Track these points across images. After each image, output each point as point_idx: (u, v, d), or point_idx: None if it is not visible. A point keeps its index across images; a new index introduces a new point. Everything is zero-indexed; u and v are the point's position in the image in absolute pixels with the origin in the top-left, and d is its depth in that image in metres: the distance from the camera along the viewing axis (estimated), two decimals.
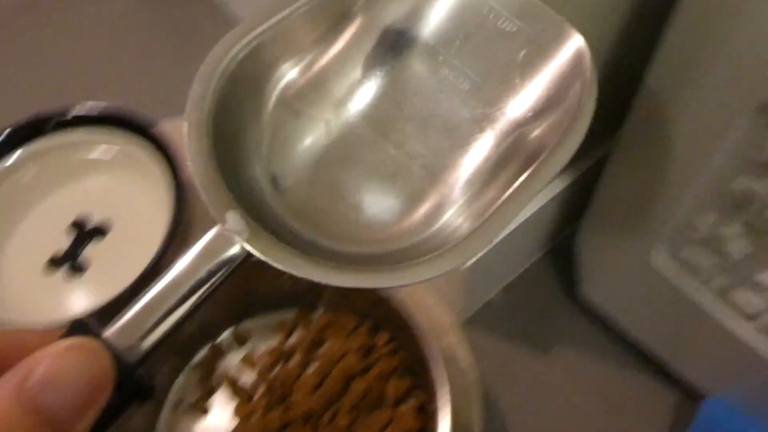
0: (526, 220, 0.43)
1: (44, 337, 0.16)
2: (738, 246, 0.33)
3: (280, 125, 0.23)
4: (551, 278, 0.52)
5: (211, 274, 0.18)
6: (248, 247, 0.18)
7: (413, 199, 0.23)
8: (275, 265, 0.18)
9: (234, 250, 0.18)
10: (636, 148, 0.37)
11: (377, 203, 0.23)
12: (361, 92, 0.24)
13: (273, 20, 0.21)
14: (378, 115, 0.24)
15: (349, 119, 0.23)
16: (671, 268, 0.38)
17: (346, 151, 0.23)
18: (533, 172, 0.20)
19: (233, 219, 0.18)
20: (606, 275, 0.45)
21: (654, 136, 0.34)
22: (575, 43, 0.22)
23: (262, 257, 0.18)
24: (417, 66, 0.24)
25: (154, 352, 0.18)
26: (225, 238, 0.18)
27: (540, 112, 0.22)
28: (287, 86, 0.23)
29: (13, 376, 0.14)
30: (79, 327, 0.17)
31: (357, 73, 0.24)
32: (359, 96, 0.24)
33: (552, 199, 0.44)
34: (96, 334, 0.17)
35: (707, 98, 0.30)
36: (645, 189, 0.36)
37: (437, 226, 0.22)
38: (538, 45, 0.23)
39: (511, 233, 0.42)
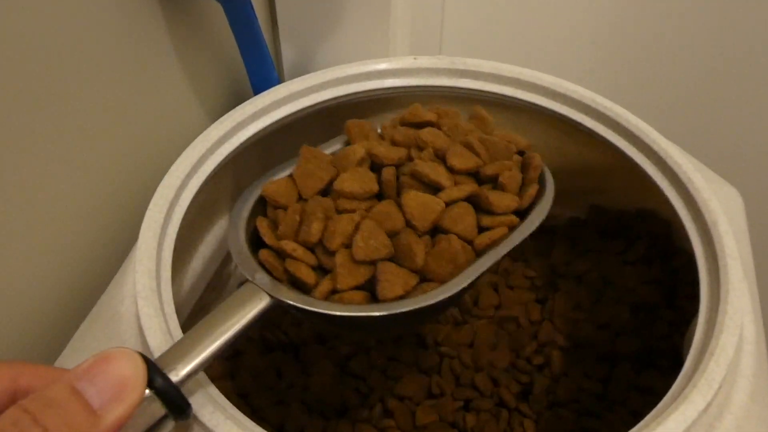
0: None
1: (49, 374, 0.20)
2: None
3: None
4: None
5: (241, 318, 0.24)
6: (273, 294, 0.25)
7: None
8: (292, 303, 0.25)
9: (262, 299, 0.25)
10: None
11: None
12: None
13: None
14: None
15: None
16: None
17: None
18: None
19: (260, 277, 0.26)
20: None
21: None
22: None
23: (285, 300, 0.25)
24: None
25: (193, 375, 0.22)
26: (254, 290, 0.25)
27: None
28: None
29: (68, 371, 0.18)
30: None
31: None
32: None
33: None
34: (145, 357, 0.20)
35: None
36: None
37: None
38: None
39: None
